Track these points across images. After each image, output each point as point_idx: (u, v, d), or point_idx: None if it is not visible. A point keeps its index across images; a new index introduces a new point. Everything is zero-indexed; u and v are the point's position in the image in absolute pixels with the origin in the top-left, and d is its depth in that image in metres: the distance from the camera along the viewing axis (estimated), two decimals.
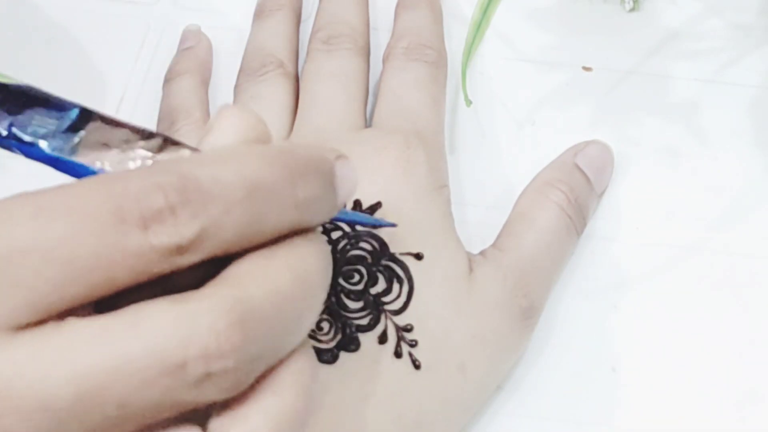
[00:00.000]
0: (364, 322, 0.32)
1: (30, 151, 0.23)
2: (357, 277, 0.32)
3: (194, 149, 0.24)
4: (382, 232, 0.33)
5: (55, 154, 0.23)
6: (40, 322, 0.20)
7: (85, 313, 0.21)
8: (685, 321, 0.36)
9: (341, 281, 0.32)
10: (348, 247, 0.33)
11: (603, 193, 0.38)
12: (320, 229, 0.25)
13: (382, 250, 0.33)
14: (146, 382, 0.20)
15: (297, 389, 0.23)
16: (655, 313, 0.36)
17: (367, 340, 0.31)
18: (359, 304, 0.32)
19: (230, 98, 0.40)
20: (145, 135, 0.24)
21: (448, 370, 0.32)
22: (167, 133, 0.38)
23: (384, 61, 0.40)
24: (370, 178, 0.34)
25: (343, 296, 0.32)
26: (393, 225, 0.32)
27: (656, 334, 0.35)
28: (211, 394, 0.21)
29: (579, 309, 0.36)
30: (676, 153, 0.39)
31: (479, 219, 0.38)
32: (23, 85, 0.24)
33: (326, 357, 0.31)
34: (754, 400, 0.34)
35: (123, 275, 0.21)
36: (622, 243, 0.37)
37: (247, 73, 0.40)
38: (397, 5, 0.42)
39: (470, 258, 0.34)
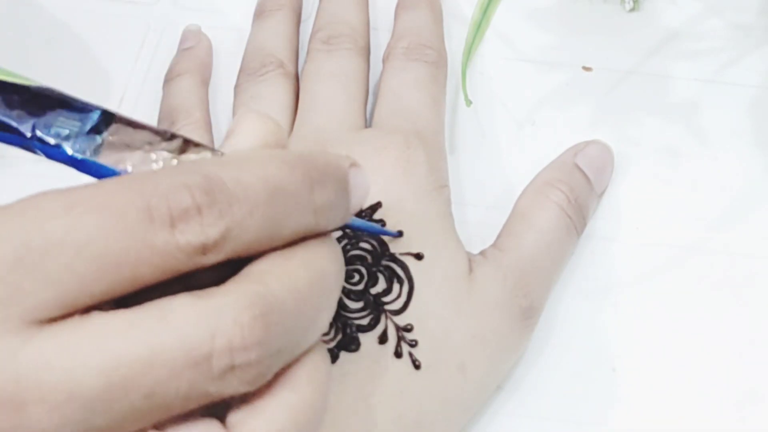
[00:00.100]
0: (365, 322, 0.32)
1: (53, 152, 0.23)
2: (357, 277, 0.32)
3: (216, 151, 0.24)
4: None
5: (79, 155, 0.23)
6: (65, 316, 0.21)
7: (108, 309, 0.21)
8: (685, 321, 0.36)
9: None
10: (348, 247, 0.33)
11: (603, 193, 0.38)
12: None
13: (382, 250, 0.33)
14: (173, 373, 0.21)
15: (314, 386, 0.23)
16: (655, 313, 0.36)
17: (368, 340, 0.31)
18: (359, 304, 0.32)
19: (230, 98, 0.40)
20: (167, 136, 0.24)
21: (448, 370, 0.32)
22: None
23: (384, 61, 0.40)
24: (370, 178, 0.34)
25: (343, 296, 0.32)
26: (399, 235, 0.33)
27: (656, 334, 0.35)
28: (233, 386, 0.21)
29: (579, 309, 0.36)
30: (676, 153, 0.39)
31: (479, 219, 0.38)
32: (44, 87, 0.24)
33: None
34: (754, 400, 0.34)
35: (148, 272, 0.21)
36: (622, 243, 0.37)
37: (247, 73, 0.40)
38: (397, 5, 0.42)
39: (470, 258, 0.34)
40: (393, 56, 0.39)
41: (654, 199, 0.38)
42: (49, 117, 0.23)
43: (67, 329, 0.21)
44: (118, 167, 0.24)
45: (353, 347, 0.31)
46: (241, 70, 0.41)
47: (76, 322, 0.21)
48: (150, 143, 0.24)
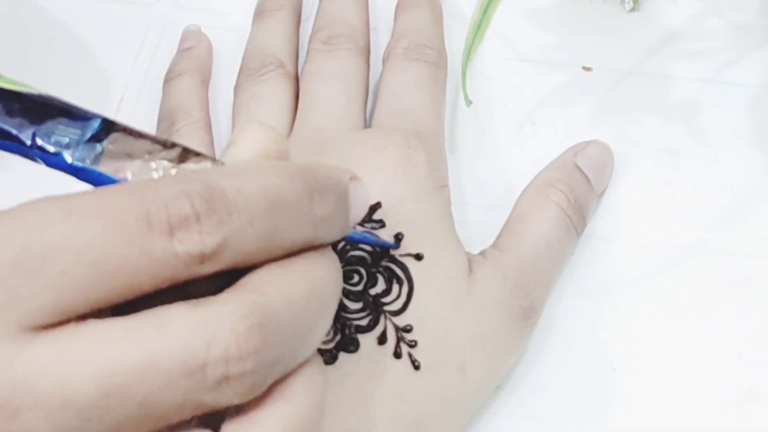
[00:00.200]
0: (364, 322, 0.32)
1: (53, 161, 0.23)
2: (356, 278, 0.32)
3: (216, 161, 0.24)
4: (382, 232, 0.33)
5: (79, 164, 0.23)
6: (62, 322, 0.21)
7: (105, 316, 0.21)
8: (685, 321, 0.36)
9: None
10: (348, 247, 0.33)
11: (603, 193, 0.38)
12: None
13: (381, 250, 0.33)
14: (168, 382, 0.21)
15: (310, 397, 0.23)
16: (655, 313, 0.36)
17: (367, 340, 0.31)
18: (359, 305, 0.32)
19: (230, 98, 0.40)
20: (167, 145, 0.24)
21: (447, 370, 0.32)
22: (168, 134, 0.39)
23: (384, 61, 0.40)
24: (370, 178, 0.34)
25: (342, 297, 0.32)
26: (396, 246, 0.33)
27: (656, 334, 0.35)
28: (228, 396, 0.21)
29: (579, 309, 0.36)
30: (676, 153, 0.39)
31: (479, 219, 0.38)
32: (43, 94, 0.24)
33: (326, 358, 0.31)
34: (753, 400, 0.34)
35: (146, 280, 0.21)
36: (622, 243, 0.37)
37: (247, 73, 0.40)
38: (397, 5, 0.42)
39: (470, 258, 0.34)
40: (393, 56, 0.39)
41: (654, 199, 0.38)
42: (50, 125, 0.23)
43: (63, 336, 0.20)
44: (118, 176, 0.24)
45: (352, 348, 0.31)
46: (241, 70, 0.41)
47: (73, 328, 0.21)
48: (150, 152, 0.24)
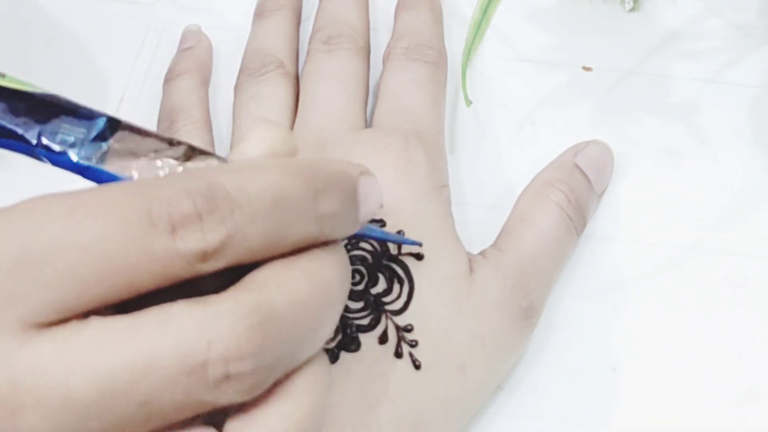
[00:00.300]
0: (365, 322, 0.32)
1: (59, 159, 0.23)
2: (357, 278, 0.32)
3: (222, 159, 0.25)
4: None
5: (85, 162, 0.23)
6: (64, 320, 0.21)
7: (107, 314, 0.21)
8: (685, 321, 0.36)
9: None
10: (348, 247, 0.33)
11: (603, 193, 0.38)
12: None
13: (382, 250, 0.33)
14: (169, 381, 0.21)
15: (313, 396, 0.23)
16: (655, 313, 0.36)
17: (368, 340, 0.31)
18: (360, 305, 0.32)
19: (230, 98, 0.40)
20: (173, 144, 0.24)
21: (448, 370, 0.32)
22: (168, 134, 0.39)
23: (384, 61, 0.40)
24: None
25: None
26: (419, 243, 0.33)
27: (656, 334, 0.35)
28: (229, 395, 0.21)
29: (579, 309, 0.36)
30: (676, 153, 0.39)
31: (479, 219, 0.38)
32: (48, 93, 0.24)
33: None
34: (753, 400, 0.34)
35: (148, 278, 0.21)
36: (622, 243, 0.37)
37: (247, 73, 0.40)
38: (397, 5, 0.42)
39: (470, 258, 0.34)
40: (393, 56, 0.39)
41: (654, 199, 0.38)
42: (55, 124, 0.23)
43: (64, 334, 0.20)
44: (124, 174, 0.24)
45: (353, 347, 0.31)
46: (241, 70, 0.41)
47: (74, 326, 0.21)
48: (155, 150, 0.24)
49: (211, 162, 0.24)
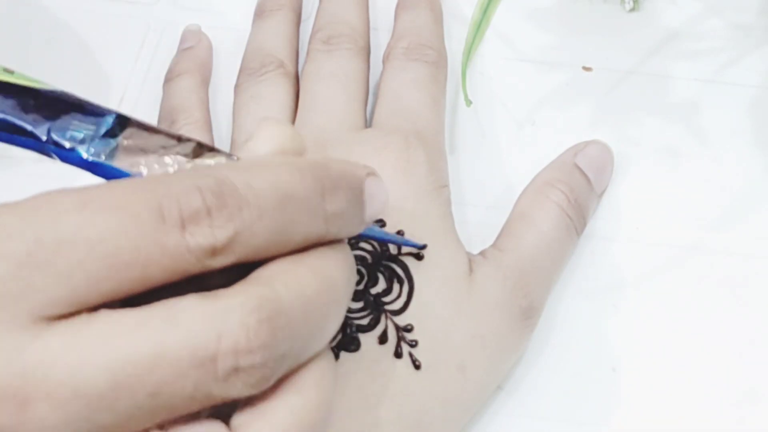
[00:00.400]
0: (365, 322, 0.32)
1: (68, 156, 0.23)
2: (357, 277, 0.32)
3: (230, 156, 0.25)
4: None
5: (95, 159, 0.23)
6: (74, 313, 0.21)
7: (116, 308, 0.21)
8: (685, 321, 0.36)
9: None
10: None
11: (603, 193, 0.38)
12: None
13: (382, 250, 0.33)
14: (178, 373, 0.21)
15: (320, 390, 0.23)
16: (655, 313, 0.36)
17: (368, 340, 0.31)
18: (359, 304, 0.32)
19: (230, 98, 0.40)
20: (181, 140, 0.24)
21: (448, 370, 0.32)
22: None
23: (384, 61, 0.40)
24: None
25: None
26: (423, 246, 0.33)
27: (656, 334, 0.35)
28: (237, 388, 0.22)
29: (579, 309, 0.36)
30: (676, 153, 0.39)
31: (479, 219, 0.38)
32: (57, 90, 0.24)
33: None
34: (753, 400, 0.34)
35: (158, 273, 0.21)
36: (622, 243, 0.37)
37: (247, 73, 0.40)
38: (397, 5, 0.42)
39: (470, 258, 0.34)
40: (393, 56, 0.39)
41: (654, 199, 0.38)
42: (64, 121, 0.24)
43: (75, 326, 0.21)
44: (133, 171, 0.24)
45: (353, 347, 0.31)
46: (241, 70, 0.41)
47: (84, 319, 0.21)
48: (164, 147, 0.24)
49: (220, 159, 0.25)
